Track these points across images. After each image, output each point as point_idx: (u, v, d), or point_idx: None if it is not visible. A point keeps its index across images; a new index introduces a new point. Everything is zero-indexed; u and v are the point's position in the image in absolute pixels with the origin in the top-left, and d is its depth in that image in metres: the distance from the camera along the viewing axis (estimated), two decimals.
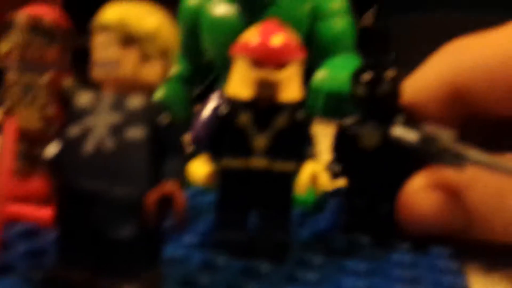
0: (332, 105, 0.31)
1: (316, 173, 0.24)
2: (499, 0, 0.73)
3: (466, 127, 0.29)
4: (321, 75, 0.32)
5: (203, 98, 0.37)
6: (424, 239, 0.27)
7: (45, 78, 0.27)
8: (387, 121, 0.26)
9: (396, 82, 0.26)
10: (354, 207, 0.28)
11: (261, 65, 0.23)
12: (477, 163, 0.22)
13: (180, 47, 0.37)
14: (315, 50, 0.33)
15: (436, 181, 0.26)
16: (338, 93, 0.31)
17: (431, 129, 0.24)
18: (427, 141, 0.24)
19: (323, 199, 0.31)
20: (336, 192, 0.35)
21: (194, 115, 0.37)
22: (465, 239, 0.27)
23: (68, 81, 0.26)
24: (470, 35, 0.28)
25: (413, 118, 0.27)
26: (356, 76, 0.27)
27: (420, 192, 0.26)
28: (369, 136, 0.27)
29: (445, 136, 0.23)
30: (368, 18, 0.98)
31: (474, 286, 0.25)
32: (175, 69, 0.38)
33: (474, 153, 0.22)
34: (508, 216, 0.25)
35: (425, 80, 0.29)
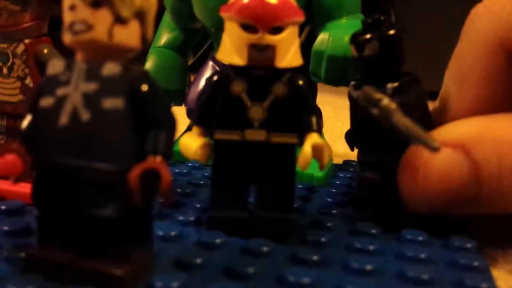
0: (335, 69, 0.29)
1: (319, 146, 0.22)
2: None
3: None
4: (323, 38, 0.29)
5: (198, 67, 0.35)
6: (433, 214, 0.24)
7: (21, 46, 0.25)
8: (379, 83, 0.24)
9: (388, 42, 0.24)
10: (364, 181, 0.26)
11: (254, 27, 0.21)
12: (398, 128, 0.22)
13: (170, 13, 0.36)
14: (318, 14, 0.31)
15: (442, 140, 0.24)
16: (341, 57, 0.28)
17: (372, 90, 0.23)
18: (367, 99, 0.23)
19: (330, 173, 0.29)
20: (346, 166, 0.33)
21: (189, 85, 0.36)
22: (476, 213, 0.24)
23: (44, 48, 0.24)
24: None
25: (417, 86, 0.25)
26: (351, 37, 0.26)
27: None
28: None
29: (383, 98, 0.23)
30: None
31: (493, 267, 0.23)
32: (167, 36, 0.36)
33: (401, 119, 0.23)
34: None
35: (471, 46, 0.27)
